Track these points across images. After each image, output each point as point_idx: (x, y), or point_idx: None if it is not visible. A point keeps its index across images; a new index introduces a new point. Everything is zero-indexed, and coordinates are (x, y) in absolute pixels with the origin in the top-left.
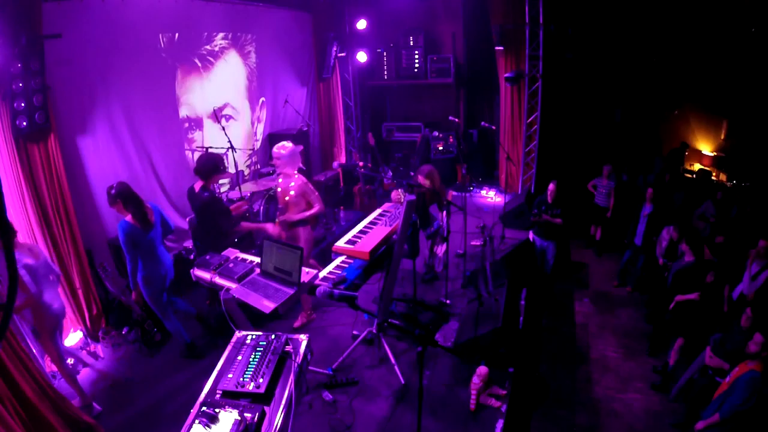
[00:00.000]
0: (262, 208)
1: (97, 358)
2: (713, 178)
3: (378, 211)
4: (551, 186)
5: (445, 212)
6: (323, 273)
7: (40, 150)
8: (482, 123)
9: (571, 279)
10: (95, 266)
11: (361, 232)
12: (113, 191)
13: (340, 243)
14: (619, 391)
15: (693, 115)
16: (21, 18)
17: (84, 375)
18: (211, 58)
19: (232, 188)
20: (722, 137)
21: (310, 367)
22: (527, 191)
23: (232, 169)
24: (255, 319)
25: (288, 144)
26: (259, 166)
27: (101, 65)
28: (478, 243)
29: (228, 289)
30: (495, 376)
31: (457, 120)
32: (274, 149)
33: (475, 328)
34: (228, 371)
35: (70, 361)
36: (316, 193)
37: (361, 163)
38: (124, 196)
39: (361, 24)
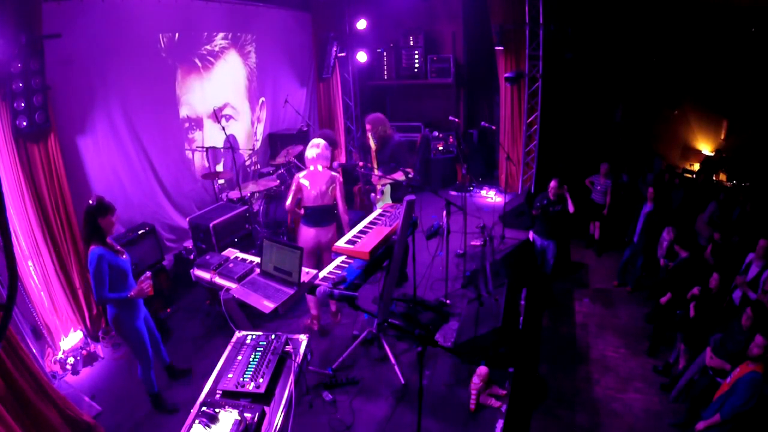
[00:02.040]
0: (262, 208)
1: (97, 358)
2: (713, 178)
3: (378, 211)
4: (553, 183)
5: (445, 212)
6: (323, 273)
7: (40, 150)
8: (482, 123)
9: (571, 279)
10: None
11: (361, 232)
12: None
13: (340, 243)
14: (619, 391)
15: (693, 115)
16: (21, 18)
17: (84, 375)
18: (211, 58)
19: (231, 188)
20: (722, 137)
21: (310, 367)
22: (527, 191)
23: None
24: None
25: (321, 142)
26: (259, 166)
27: (101, 65)
28: (478, 243)
29: (228, 289)
30: (495, 376)
31: (457, 120)
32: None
33: (475, 328)
34: (228, 371)
35: (70, 360)
36: (290, 189)
37: (361, 163)
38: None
39: (361, 24)
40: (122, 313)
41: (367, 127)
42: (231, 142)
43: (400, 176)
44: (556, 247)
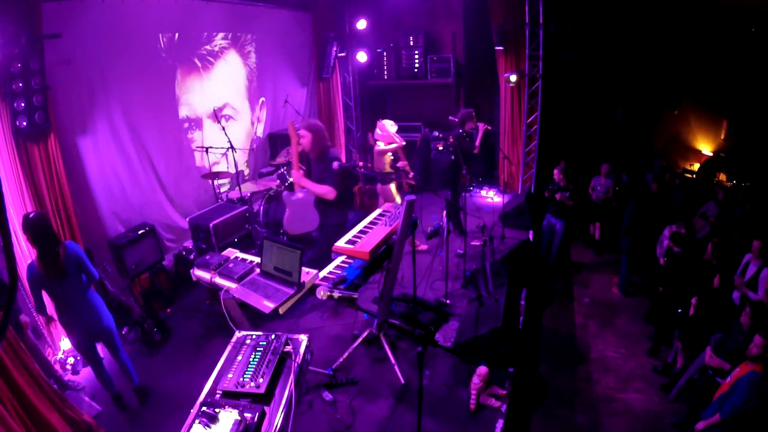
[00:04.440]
0: (262, 208)
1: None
2: (713, 178)
3: (378, 211)
4: (555, 170)
5: (445, 212)
6: (323, 273)
7: (40, 150)
8: (481, 123)
9: (571, 279)
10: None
11: (361, 232)
12: (27, 220)
13: (340, 243)
14: (619, 391)
15: (693, 115)
16: (21, 18)
17: (84, 375)
18: (211, 58)
19: (231, 188)
20: (722, 137)
21: (310, 367)
22: (527, 191)
23: (232, 169)
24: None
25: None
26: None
27: (101, 65)
28: (478, 243)
29: (228, 289)
30: (495, 376)
31: (457, 120)
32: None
33: (475, 328)
34: (228, 371)
35: (70, 360)
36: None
37: (361, 163)
38: (34, 230)
39: (361, 24)
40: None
41: (304, 132)
42: (232, 145)
43: (324, 191)
44: (563, 228)
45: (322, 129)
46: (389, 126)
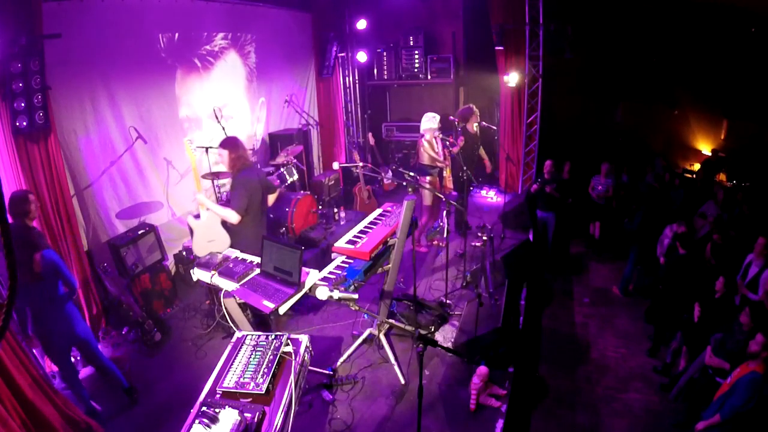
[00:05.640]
0: None
1: None
2: (713, 178)
3: (378, 211)
4: (547, 162)
5: (445, 211)
6: (323, 273)
7: (40, 150)
8: (482, 123)
9: (571, 279)
10: (95, 266)
11: (361, 232)
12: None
13: (340, 243)
14: (619, 391)
15: (693, 115)
16: (21, 18)
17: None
18: (210, 58)
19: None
20: (722, 137)
21: (310, 367)
22: (527, 191)
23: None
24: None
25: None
26: (259, 166)
27: (101, 65)
28: (478, 243)
29: (228, 290)
30: (495, 376)
31: (457, 120)
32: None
33: (475, 328)
34: (228, 371)
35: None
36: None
37: (361, 164)
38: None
39: (361, 24)
40: None
41: (220, 151)
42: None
43: (225, 213)
44: (555, 219)
45: (239, 146)
46: (430, 120)
